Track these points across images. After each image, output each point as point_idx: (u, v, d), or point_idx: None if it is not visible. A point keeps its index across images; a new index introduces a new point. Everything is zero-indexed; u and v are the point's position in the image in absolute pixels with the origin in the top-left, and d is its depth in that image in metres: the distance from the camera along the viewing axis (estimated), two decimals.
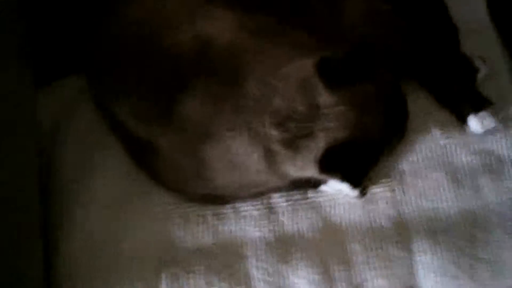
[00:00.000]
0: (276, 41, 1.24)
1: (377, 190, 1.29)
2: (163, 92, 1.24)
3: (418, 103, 1.32)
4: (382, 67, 1.23)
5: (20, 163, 1.26)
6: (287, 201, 1.31)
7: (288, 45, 1.24)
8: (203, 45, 1.24)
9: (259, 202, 1.30)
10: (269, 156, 1.20)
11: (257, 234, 1.28)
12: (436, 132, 1.32)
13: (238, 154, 1.21)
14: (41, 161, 1.33)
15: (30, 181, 1.28)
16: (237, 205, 1.30)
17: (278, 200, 1.31)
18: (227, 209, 1.31)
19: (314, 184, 1.27)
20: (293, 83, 1.20)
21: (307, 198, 1.31)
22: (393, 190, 1.29)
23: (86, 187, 1.32)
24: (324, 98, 1.19)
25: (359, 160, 1.20)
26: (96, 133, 1.37)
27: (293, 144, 1.19)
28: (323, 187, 1.29)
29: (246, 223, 1.29)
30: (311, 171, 1.21)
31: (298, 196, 1.31)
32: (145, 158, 1.32)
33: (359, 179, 1.20)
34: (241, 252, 1.27)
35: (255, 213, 1.30)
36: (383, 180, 1.30)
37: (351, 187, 1.20)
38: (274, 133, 1.19)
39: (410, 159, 1.30)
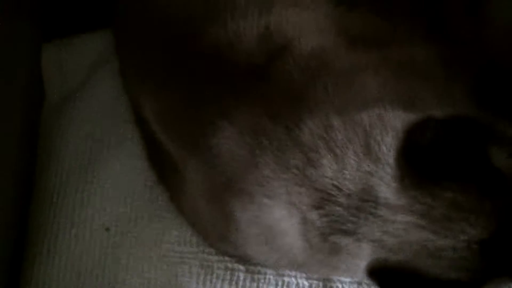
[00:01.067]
0: (382, 62, 0.84)
1: None
2: (201, 103, 0.90)
3: None
4: None
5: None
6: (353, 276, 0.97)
7: (400, 75, 0.84)
8: (274, 53, 0.87)
9: None
10: (310, 246, 0.86)
11: None
12: None
13: (274, 234, 0.87)
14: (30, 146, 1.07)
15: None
16: None
17: None
18: (268, 269, 0.99)
19: None
20: (359, 139, 0.81)
21: None
22: None
23: (82, 196, 1.04)
24: (390, 191, 0.79)
25: None
26: (111, 117, 1.08)
27: (328, 239, 0.83)
28: None
29: None
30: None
31: None
32: (166, 175, 0.99)
33: None
34: None
35: (305, 283, 0.98)
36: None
37: None
38: (312, 216, 0.82)
39: None
